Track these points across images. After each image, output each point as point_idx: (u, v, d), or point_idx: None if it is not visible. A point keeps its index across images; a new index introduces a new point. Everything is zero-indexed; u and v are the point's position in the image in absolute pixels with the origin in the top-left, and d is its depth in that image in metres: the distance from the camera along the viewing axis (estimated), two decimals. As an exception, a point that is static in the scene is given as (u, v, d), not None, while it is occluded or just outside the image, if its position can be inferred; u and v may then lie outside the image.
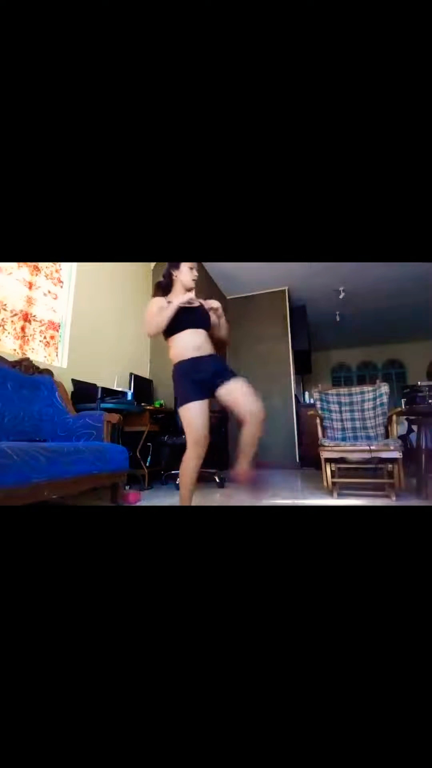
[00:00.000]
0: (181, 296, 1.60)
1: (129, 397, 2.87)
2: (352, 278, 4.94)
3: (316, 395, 3.06)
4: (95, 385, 2.60)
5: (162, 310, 1.59)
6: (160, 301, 1.65)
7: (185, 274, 1.68)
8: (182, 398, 1.58)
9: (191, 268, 1.69)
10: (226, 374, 1.60)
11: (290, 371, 5.09)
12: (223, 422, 3.39)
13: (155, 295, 1.73)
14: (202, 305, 1.69)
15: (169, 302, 1.61)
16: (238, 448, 1.61)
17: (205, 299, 1.74)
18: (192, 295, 1.63)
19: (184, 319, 1.61)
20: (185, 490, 1.56)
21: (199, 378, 1.58)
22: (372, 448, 2.36)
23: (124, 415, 2.49)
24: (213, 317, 1.72)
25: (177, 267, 1.70)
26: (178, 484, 1.59)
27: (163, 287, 1.73)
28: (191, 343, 1.61)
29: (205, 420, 1.56)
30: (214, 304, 1.70)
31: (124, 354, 3.43)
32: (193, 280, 1.70)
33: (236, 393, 1.57)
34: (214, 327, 1.74)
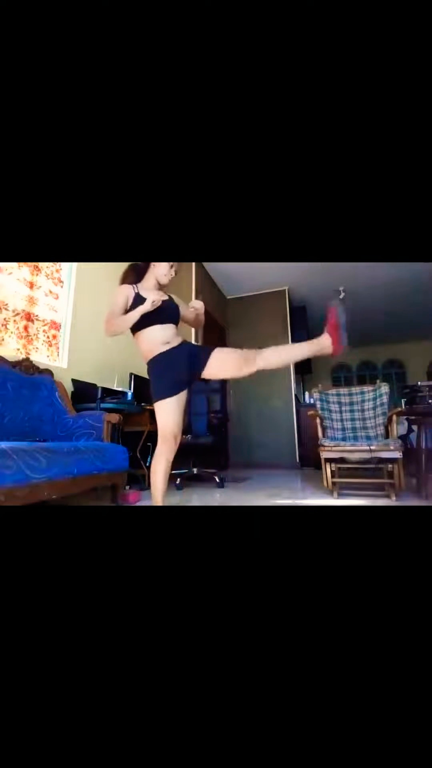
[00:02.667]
0: (147, 300, 1.49)
1: (129, 397, 2.87)
2: (352, 278, 4.94)
3: (316, 395, 3.06)
4: (95, 385, 2.60)
5: (123, 310, 1.53)
6: (126, 290, 1.56)
7: (162, 268, 1.60)
8: (156, 394, 1.54)
9: (171, 266, 1.62)
10: (203, 352, 1.57)
11: (290, 371, 5.09)
12: (223, 422, 3.38)
13: (125, 279, 1.63)
14: (171, 299, 1.62)
15: (137, 293, 1.55)
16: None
17: (195, 298, 1.71)
18: (158, 297, 1.50)
19: (151, 315, 1.53)
20: (156, 491, 1.51)
21: (174, 371, 1.54)
22: (372, 448, 2.35)
23: (124, 415, 2.48)
24: (189, 314, 1.69)
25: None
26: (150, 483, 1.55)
27: (138, 272, 1.64)
28: (160, 338, 1.56)
29: (178, 417, 1.53)
30: (197, 304, 1.67)
31: (124, 354, 3.43)
32: (167, 276, 1.62)
33: (224, 361, 1.55)
34: (188, 321, 1.71)
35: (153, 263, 1.63)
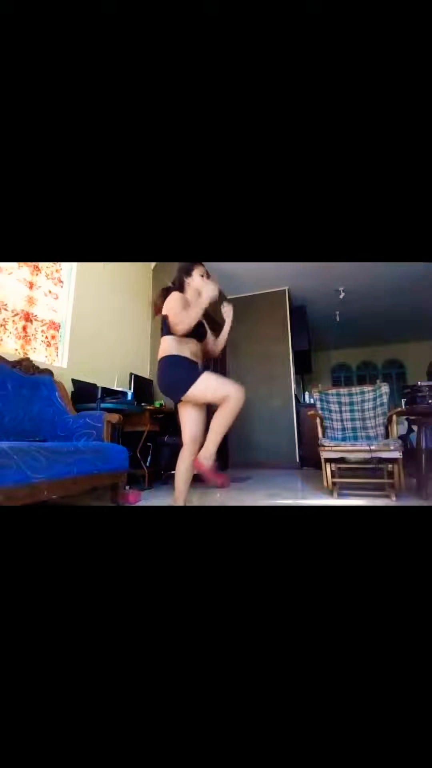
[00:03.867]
0: (209, 289, 1.54)
1: (129, 397, 2.87)
2: (352, 278, 4.94)
3: (316, 395, 3.06)
4: (95, 385, 2.60)
5: (188, 306, 1.57)
6: (179, 296, 1.62)
7: (197, 281, 1.68)
8: (188, 379, 1.52)
9: (202, 275, 1.69)
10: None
11: (290, 371, 5.09)
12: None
13: (158, 301, 1.69)
14: (202, 321, 1.70)
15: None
16: (209, 429, 1.54)
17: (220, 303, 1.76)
18: (216, 289, 1.59)
19: (195, 330, 1.61)
20: (182, 491, 1.55)
21: (192, 375, 1.55)
22: (372, 448, 2.35)
23: (124, 415, 2.48)
24: (211, 345, 1.76)
25: (189, 274, 1.69)
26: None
27: (168, 293, 1.70)
28: (192, 350, 1.63)
29: (204, 419, 1.57)
30: (226, 307, 1.76)
31: (124, 354, 3.43)
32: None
33: (214, 379, 1.55)
34: (210, 342, 1.76)
35: (187, 280, 1.68)
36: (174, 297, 1.62)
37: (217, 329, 1.83)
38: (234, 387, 1.49)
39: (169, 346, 1.60)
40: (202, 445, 1.55)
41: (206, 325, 1.74)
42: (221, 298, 1.57)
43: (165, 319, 1.63)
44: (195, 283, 1.68)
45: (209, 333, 1.77)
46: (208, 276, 1.72)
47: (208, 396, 1.52)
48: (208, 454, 1.52)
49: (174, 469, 1.61)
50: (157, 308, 1.70)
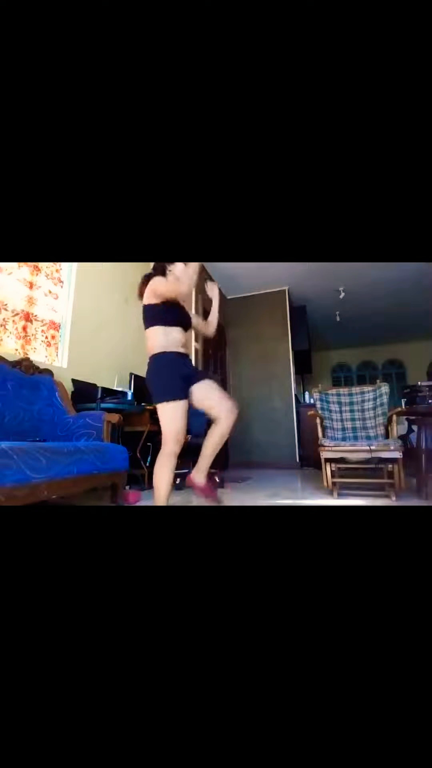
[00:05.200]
0: (192, 265, 1.55)
1: (129, 397, 2.87)
2: (352, 278, 4.94)
3: (316, 395, 3.06)
4: (95, 385, 2.60)
5: (173, 283, 1.56)
6: (163, 279, 1.60)
7: (180, 269, 1.64)
8: (165, 393, 1.50)
9: (186, 265, 1.65)
10: (198, 375, 1.61)
11: (290, 371, 5.09)
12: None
13: (142, 288, 1.66)
14: (186, 310, 1.70)
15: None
16: (202, 449, 1.55)
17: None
18: (216, 285, 1.68)
19: (176, 314, 1.59)
20: (163, 491, 1.49)
21: (182, 375, 1.55)
22: (372, 448, 2.36)
23: (124, 415, 2.48)
24: (201, 326, 1.76)
25: (171, 261, 1.66)
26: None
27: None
28: (178, 340, 1.59)
29: (185, 420, 1.53)
30: (210, 285, 1.76)
31: (124, 354, 3.43)
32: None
33: (212, 392, 1.55)
34: (199, 330, 1.77)
35: (169, 267, 1.67)
36: (160, 279, 1.59)
37: (205, 314, 1.85)
38: (227, 408, 1.50)
39: (157, 340, 1.56)
40: (182, 446, 1.53)
41: (191, 314, 1.73)
42: (204, 278, 1.59)
43: (144, 310, 1.59)
44: (177, 270, 1.65)
45: (195, 318, 1.76)
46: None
47: (160, 422, 1.52)
48: (201, 472, 1.53)
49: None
50: (140, 294, 1.68)
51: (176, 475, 1.61)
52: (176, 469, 1.62)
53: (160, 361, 1.55)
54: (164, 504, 1.48)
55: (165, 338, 1.56)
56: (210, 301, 1.83)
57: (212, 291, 1.79)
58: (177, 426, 1.49)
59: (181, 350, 1.59)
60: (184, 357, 1.61)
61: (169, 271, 1.66)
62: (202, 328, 1.79)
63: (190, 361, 1.66)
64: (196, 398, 1.54)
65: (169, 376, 1.53)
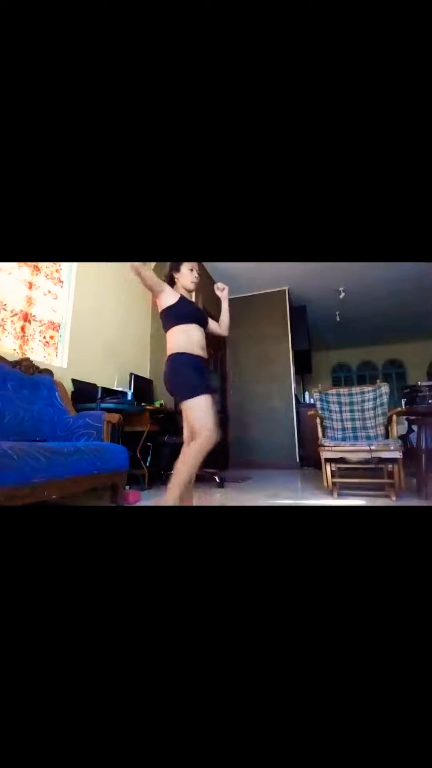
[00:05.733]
0: (221, 289, 1.71)
1: (129, 397, 2.87)
2: (352, 278, 4.94)
3: (316, 395, 3.06)
4: (95, 385, 2.60)
5: (173, 293, 1.62)
6: (172, 291, 1.65)
7: (186, 276, 1.70)
8: (192, 389, 1.49)
9: (191, 270, 1.70)
10: (209, 386, 1.62)
11: (290, 371, 5.09)
12: (223, 422, 3.39)
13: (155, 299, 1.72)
14: (203, 310, 1.74)
15: (181, 295, 1.64)
16: (176, 465, 1.47)
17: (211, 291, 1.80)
18: (226, 287, 1.75)
19: (194, 313, 1.64)
20: (182, 488, 1.43)
21: (204, 376, 1.57)
22: (372, 448, 2.36)
23: (124, 415, 2.48)
24: (214, 327, 1.79)
25: (177, 270, 1.71)
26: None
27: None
28: (198, 342, 1.62)
29: (214, 415, 1.50)
30: (220, 286, 1.81)
31: (124, 354, 3.43)
32: (193, 282, 1.71)
33: (202, 406, 1.50)
34: (212, 332, 1.79)
35: (176, 276, 1.70)
36: (167, 289, 1.65)
37: (215, 316, 1.86)
38: (210, 427, 1.46)
39: (177, 341, 1.59)
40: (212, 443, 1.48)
41: (206, 311, 1.77)
42: (203, 275, 1.62)
43: (162, 314, 1.64)
44: (184, 278, 1.70)
45: (210, 320, 1.79)
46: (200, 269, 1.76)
47: (190, 418, 1.50)
48: (173, 496, 1.43)
49: (171, 470, 1.58)
50: (155, 305, 1.74)
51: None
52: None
53: (181, 359, 1.56)
54: (176, 502, 1.43)
55: (185, 337, 1.58)
56: (215, 302, 1.86)
57: (221, 292, 1.83)
58: (211, 419, 1.47)
59: (201, 353, 1.60)
60: (204, 360, 1.62)
61: (176, 280, 1.71)
62: (216, 329, 1.82)
63: (207, 364, 1.66)
64: (191, 406, 1.51)
65: (192, 373, 1.54)
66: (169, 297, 1.62)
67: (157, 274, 1.68)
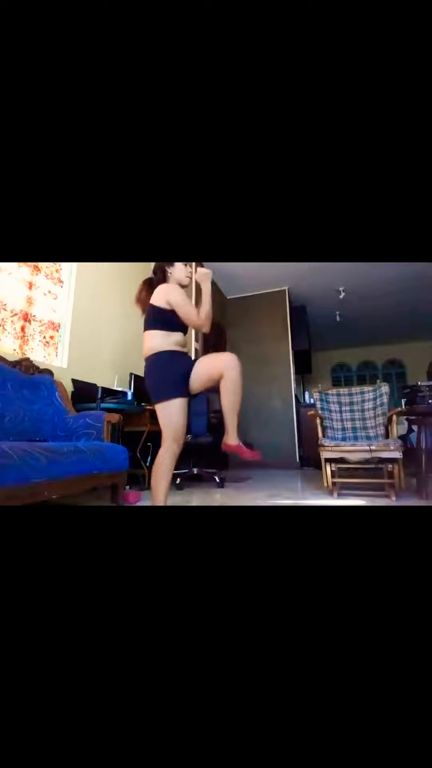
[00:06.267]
0: (203, 274, 1.58)
1: (129, 397, 2.87)
2: (352, 278, 4.94)
3: (316, 395, 3.06)
4: (95, 385, 2.60)
5: (184, 294, 1.57)
6: (179, 288, 1.60)
7: (180, 270, 1.66)
8: (162, 392, 1.50)
9: (186, 265, 1.67)
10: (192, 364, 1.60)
11: (290, 371, 5.09)
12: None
13: (141, 295, 1.68)
14: None
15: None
16: (222, 412, 1.53)
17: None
18: (209, 272, 1.61)
19: (172, 319, 1.57)
20: (161, 492, 1.46)
21: (179, 372, 1.53)
22: (372, 448, 2.36)
23: (124, 415, 2.48)
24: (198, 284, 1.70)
25: (171, 264, 1.67)
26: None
27: (155, 284, 1.67)
28: (177, 342, 1.58)
29: (185, 418, 1.51)
30: (203, 271, 1.67)
31: (124, 354, 3.43)
32: (188, 276, 1.68)
33: (205, 359, 1.52)
34: (195, 326, 1.72)
35: (169, 270, 1.66)
36: (175, 289, 1.58)
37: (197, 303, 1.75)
38: (226, 359, 1.47)
39: (154, 342, 1.55)
40: (182, 445, 1.52)
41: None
42: (221, 299, 1.56)
43: (150, 311, 1.58)
44: (176, 272, 1.66)
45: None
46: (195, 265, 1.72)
47: (159, 420, 1.50)
48: (233, 435, 1.52)
49: (174, 469, 1.58)
50: (142, 302, 1.66)
51: (175, 475, 1.59)
52: (176, 468, 1.61)
53: (156, 361, 1.54)
54: (162, 504, 1.46)
55: (163, 340, 1.55)
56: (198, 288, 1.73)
57: (202, 278, 1.63)
58: (175, 424, 1.48)
59: (176, 348, 1.57)
60: (182, 354, 1.59)
61: (170, 274, 1.66)
62: (192, 318, 1.73)
63: (189, 357, 1.63)
64: (197, 377, 1.52)
65: (165, 374, 1.52)
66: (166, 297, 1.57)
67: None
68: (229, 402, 1.49)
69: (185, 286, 1.69)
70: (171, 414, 1.49)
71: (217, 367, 1.49)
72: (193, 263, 1.71)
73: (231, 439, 1.53)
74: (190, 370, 1.57)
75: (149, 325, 1.58)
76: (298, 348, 5.32)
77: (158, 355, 1.54)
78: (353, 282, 5.05)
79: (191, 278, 1.70)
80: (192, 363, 1.59)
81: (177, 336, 1.59)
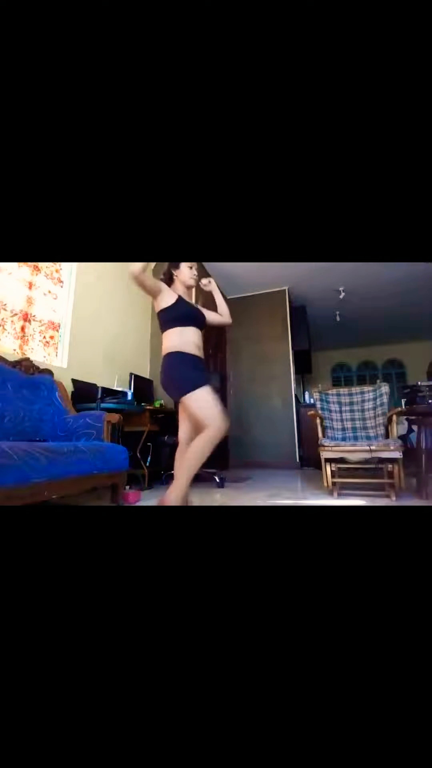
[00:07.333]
0: (206, 284, 1.72)
1: (129, 397, 2.87)
2: (352, 278, 4.94)
3: (316, 395, 3.06)
4: (95, 385, 2.60)
5: (170, 293, 1.62)
6: (169, 291, 1.65)
7: (185, 273, 1.72)
8: (191, 382, 1.48)
9: (190, 267, 1.73)
10: (205, 378, 1.62)
11: (290, 371, 5.09)
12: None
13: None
14: (200, 310, 1.75)
15: (179, 296, 1.64)
16: (184, 460, 1.44)
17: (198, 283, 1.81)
18: (210, 279, 1.77)
19: (191, 315, 1.64)
20: (186, 481, 1.40)
21: (197, 367, 1.57)
22: (372, 448, 2.36)
23: (124, 415, 2.48)
24: (214, 318, 1.80)
25: (177, 267, 1.73)
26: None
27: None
28: (194, 342, 1.62)
29: (217, 404, 1.47)
30: (204, 281, 1.82)
31: (124, 354, 3.43)
32: (192, 278, 1.74)
33: (194, 399, 1.48)
34: (215, 318, 1.81)
35: (175, 273, 1.72)
36: (163, 288, 1.64)
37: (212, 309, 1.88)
38: (218, 416, 1.42)
39: (172, 341, 1.59)
40: (222, 433, 1.46)
41: (204, 311, 1.78)
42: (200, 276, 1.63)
43: (160, 315, 1.64)
44: (183, 275, 1.72)
45: (210, 313, 1.80)
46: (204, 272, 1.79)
47: (195, 411, 1.46)
48: (176, 494, 1.40)
49: (171, 470, 1.58)
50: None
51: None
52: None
53: (176, 357, 1.56)
54: (182, 497, 1.41)
55: (179, 338, 1.59)
56: (210, 294, 1.88)
57: (209, 286, 1.84)
58: (208, 410, 1.43)
59: (197, 352, 1.61)
60: (198, 359, 1.62)
61: (176, 276, 1.73)
62: (217, 318, 1.82)
63: (203, 363, 1.67)
64: (192, 400, 1.49)
65: (188, 368, 1.54)
66: (167, 298, 1.62)
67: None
68: (195, 456, 1.41)
69: (191, 287, 1.74)
70: (200, 401, 1.45)
71: (209, 413, 1.43)
72: (194, 264, 1.76)
73: (174, 500, 1.40)
74: (203, 372, 1.60)
75: (162, 326, 1.64)
76: (298, 348, 5.31)
77: (175, 354, 1.56)
78: (353, 282, 5.05)
79: (196, 279, 1.75)
80: (203, 366, 1.63)
81: (190, 333, 1.62)
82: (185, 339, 1.59)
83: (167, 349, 1.59)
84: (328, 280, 4.98)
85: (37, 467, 1.35)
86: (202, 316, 1.74)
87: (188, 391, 1.48)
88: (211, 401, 1.46)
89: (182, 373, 1.53)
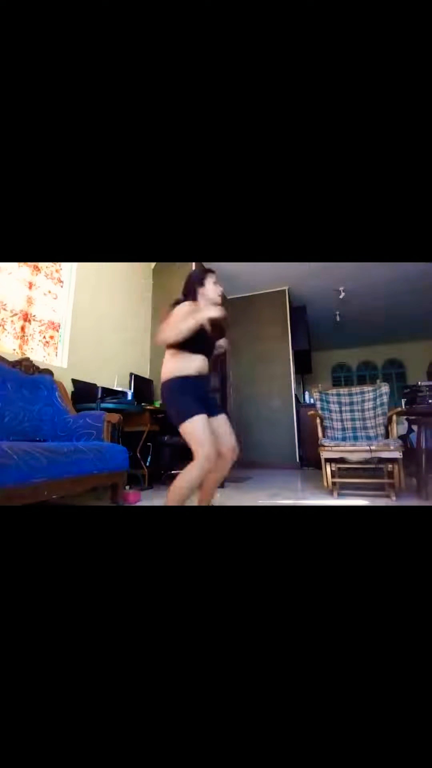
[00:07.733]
0: (212, 309, 1.50)
1: (129, 397, 2.87)
2: (352, 278, 4.94)
3: (316, 395, 3.06)
4: (95, 385, 2.60)
5: (188, 315, 1.49)
6: (187, 306, 1.54)
7: (210, 290, 1.61)
8: (185, 413, 1.46)
9: (215, 283, 1.62)
10: (215, 407, 1.60)
11: (290, 371, 5.09)
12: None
13: (167, 316, 1.60)
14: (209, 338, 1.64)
15: (201, 325, 1.52)
16: (203, 488, 1.52)
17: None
18: (222, 310, 1.54)
19: (201, 342, 1.54)
20: (179, 502, 1.42)
21: (195, 394, 1.51)
22: (372, 448, 2.36)
23: (124, 415, 2.48)
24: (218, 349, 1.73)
25: (202, 284, 1.62)
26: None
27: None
28: (197, 367, 1.55)
29: (211, 434, 1.47)
30: (223, 343, 1.72)
31: (124, 354, 3.43)
32: (219, 295, 1.63)
33: (223, 428, 1.56)
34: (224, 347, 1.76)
35: (200, 291, 1.61)
36: (182, 307, 1.54)
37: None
38: (207, 450, 1.42)
39: (173, 365, 1.54)
40: (214, 464, 1.47)
41: (212, 340, 1.68)
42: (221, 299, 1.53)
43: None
44: (208, 292, 1.61)
45: (224, 341, 1.75)
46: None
47: (188, 440, 1.47)
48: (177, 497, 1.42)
49: (175, 469, 1.57)
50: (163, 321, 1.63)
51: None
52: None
53: (173, 385, 1.52)
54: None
55: (182, 363, 1.53)
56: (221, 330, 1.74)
57: (224, 347, 1.76)
58: (199, 439, 1.43)
59: (195, 373, 1.55)
60: (201, 379, 1.57)
61: (201, 294, 1.61)
62: (219, 351, 1.77)
63: (209, 383, 1.62)
64: (187, 427, 1.48)
65: (182, 397, 1.50)
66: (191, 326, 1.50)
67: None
68: (180, 491, 1.42)
69: (217, 304, 1.61)
70: (194, 430, 1.44)
71: (198, 444, 1.43)
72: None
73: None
74: (209, 401, 1.56)
75: (167, 345, 1.55)
76: (298, 348, 5.31)
77: (173, 381, 1.52)
78: (353, 282, 5.05)
79: (223, 296, 1.65)
80: (210, 395, 1.60)
81: (198, 361, 1.55)
82: (188, 363, 1.54)
83: (165, 374, 1.54)
84: (328, 280, 4.98)
85: (37, 467, 1.35)
86: (211, 347, 1.66)
87: (180, 422, 1.48)
88: (200, 432, 1.45)
89: (177, 401, 1.51)
